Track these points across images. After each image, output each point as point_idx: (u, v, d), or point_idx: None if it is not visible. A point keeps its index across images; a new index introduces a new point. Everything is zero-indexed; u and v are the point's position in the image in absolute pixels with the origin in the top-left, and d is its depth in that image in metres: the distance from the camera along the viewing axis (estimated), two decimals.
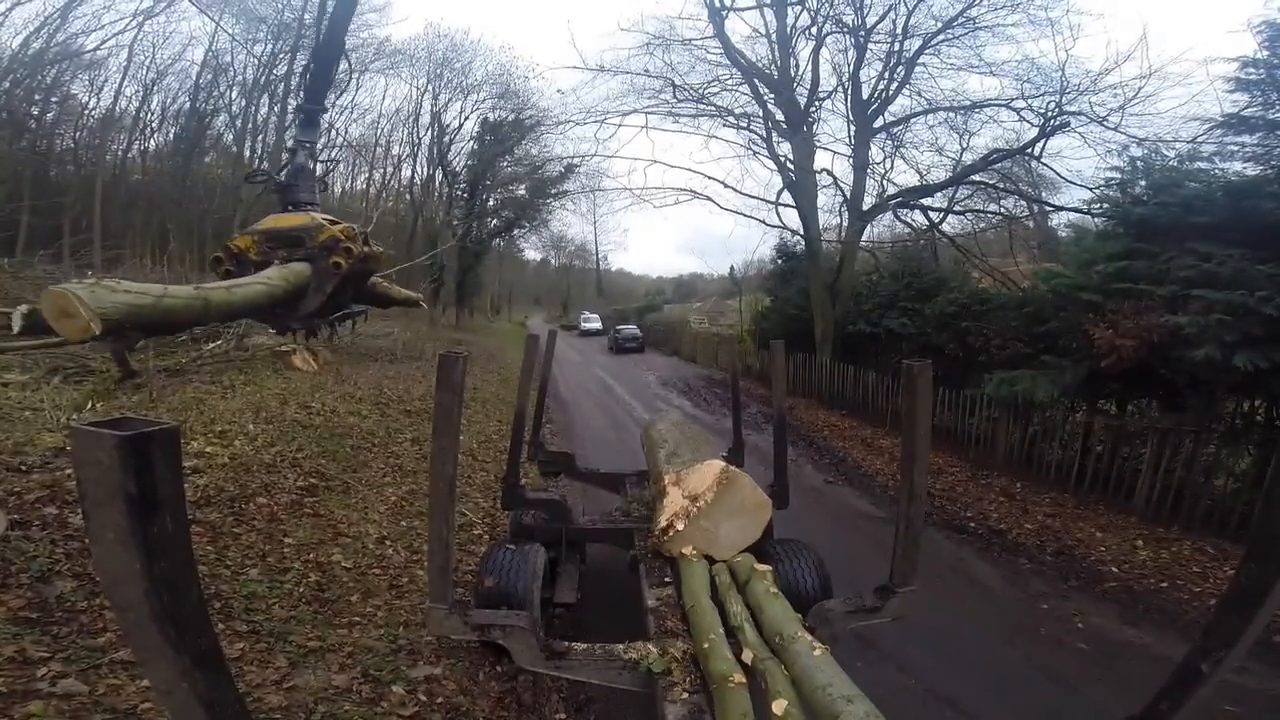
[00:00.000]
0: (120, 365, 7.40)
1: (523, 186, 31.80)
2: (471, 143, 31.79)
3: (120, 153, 28.32)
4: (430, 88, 32.49)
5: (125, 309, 1.09)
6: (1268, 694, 3.83)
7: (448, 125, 32.08)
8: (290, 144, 2.76)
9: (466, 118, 32.21)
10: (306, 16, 29.43)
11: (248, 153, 31.11)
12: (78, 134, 26.61)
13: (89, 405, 6.91)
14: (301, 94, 2.64)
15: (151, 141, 29.75)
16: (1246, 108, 7.90)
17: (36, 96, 24.20)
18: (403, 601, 4.20)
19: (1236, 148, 8.01)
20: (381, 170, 37.69)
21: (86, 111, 26.71)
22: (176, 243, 24.69)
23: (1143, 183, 8.68)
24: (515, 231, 35.42)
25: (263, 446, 6.24)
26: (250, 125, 30.84)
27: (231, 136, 31.21)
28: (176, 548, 0.86)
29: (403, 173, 36.77)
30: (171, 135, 29.73)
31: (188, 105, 28.95)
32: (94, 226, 23.60)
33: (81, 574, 3.39)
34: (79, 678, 2.68)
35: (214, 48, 28.10)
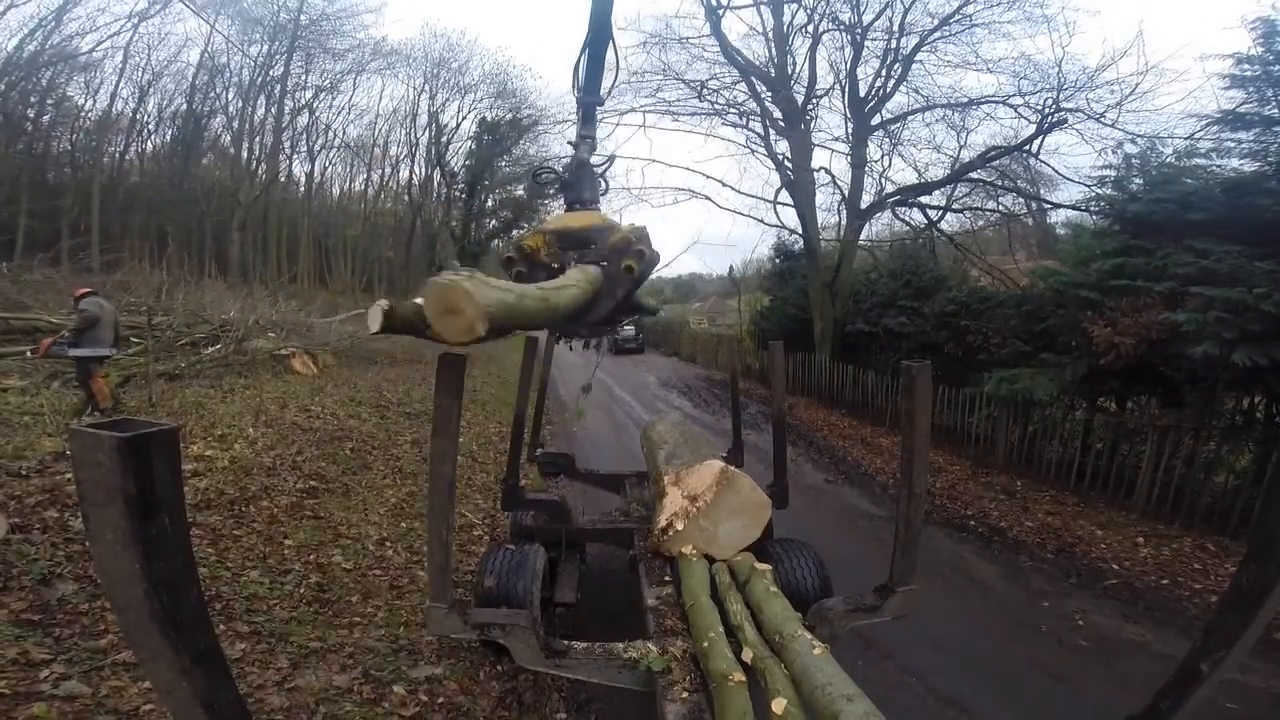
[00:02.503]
0: (87, 392, 7.16)
1: (521, 186, 31.84)
2: (469, 143, 31.85)
3: (117, 155, 28.31)
4: (427, 87, 32.54)
5: (501, 308, 1.05)
6: (1270, 692, 3.83)
7: (445, 125, 32.19)
8: (572, 139, 2.63)
9: (464, 117, 32.31)
10: (303, 18, 29.50)
11: (245, 154, 31.11)
12: (74, 136, 26.59)
13: (89, 410, 6.91)
14: (578, 87, 2.53)
15: (148, 143, 29.74)
16: (1242, 104, 7.89)
17: (32, 99, 24.20)
18: (403, 602, 4.20)
19: (1233, 144, 8.01)
20: (380, 171, 37.66)
21: (82, 114, 26.71)
22: (175, 245, 24.70)
23: (1138, 179, 8.69)
24: (514, 232, 35.43)
25: (263, 450, 6.25)
26: (247, 127, 30.85)
27: (229, 138, 31.22)
28: (176, 548, 0.86)
29: (401, 173, 36.70)
30: (168, 137, 29.74)
31: (184, 107, 28.94)
32: (92, 229, 23.60)
33: (83, 576, 3.39)
34: (81, 679, 2.68)
35: (209, 49, 28.11)
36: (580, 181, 2.30)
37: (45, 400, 6.99)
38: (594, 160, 2.72)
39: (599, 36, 2.43)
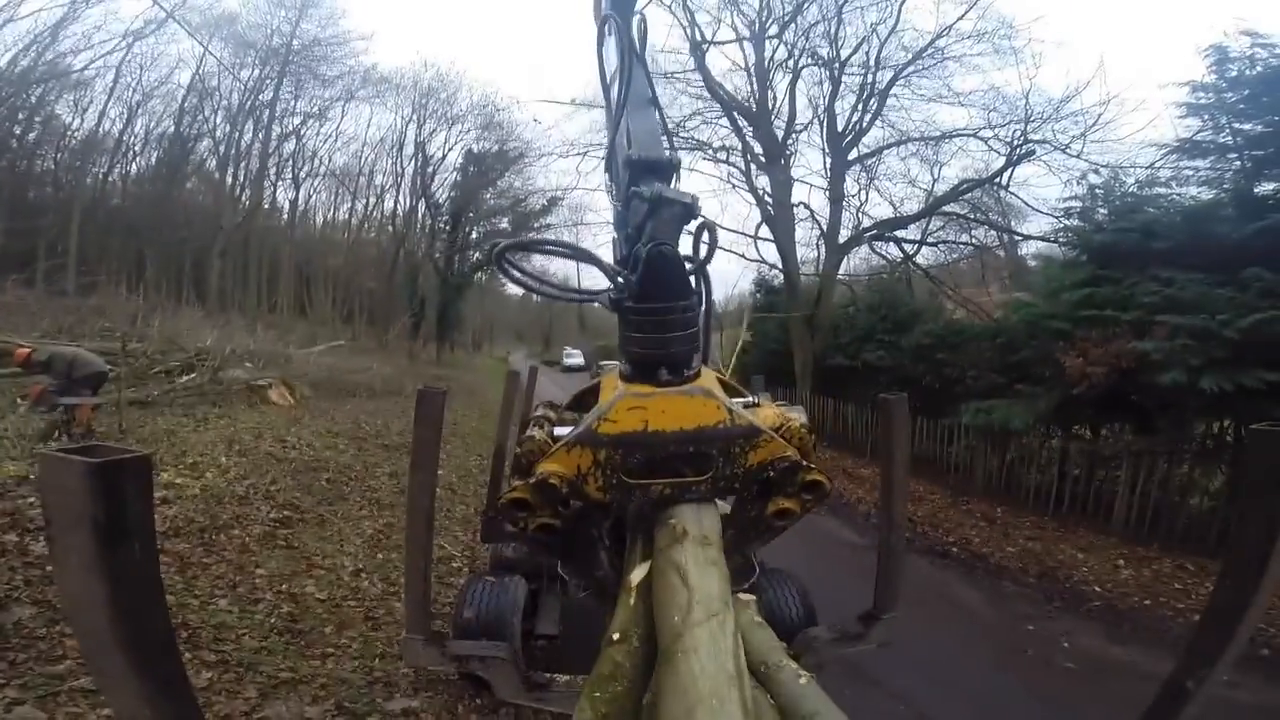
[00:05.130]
0: (70, 415, 6.92)
1: (505, 219, 31.87)
2: (455, 174, 31.95)
3: (100, 176, 27.91)
4: (415, 116, 32.74)
5: None
6: (1259, 707, 3.83)
7: (431, 155, 32.23)
8: (644, 193, 1.31)
9: (450, 148, 32.35)
10: (295, 43, 29.75)
11: (229, 179, 30.93)
12: (59, 155, 26.12)
13: (55, 435, 6.71)
14: (621, 157, 1.63)
15: (133, 165, 29.40)
16: (1199, 132, 8.10)
17: (20, 115, 23.83)
18: (379, 634, 4.08)
19: (1191, 171, 8.25)
20: (364, 200, 37.64)
21: (69, 132, 26.29)
22: (153, 269, 24.36)
23: (1103, 209, 8.93)
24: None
25: (235, 479, 6.11)
26: (233, 151, 30.73)
27: (214, 162, 31.05)
28: (145, 575, 0.84)
29: (385, 203, 36.70)
30: (153, 160, 29.45)
31: (171, 129, 28.76)
32: (69, 251, 23.15)
33: (41, 600, 3.28)
34: (36, 704, 2.59)
35: (201, 71, 28.06)
36: (674, 307, 0.95)
37: (10, 424, 6.77)
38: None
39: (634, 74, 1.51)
